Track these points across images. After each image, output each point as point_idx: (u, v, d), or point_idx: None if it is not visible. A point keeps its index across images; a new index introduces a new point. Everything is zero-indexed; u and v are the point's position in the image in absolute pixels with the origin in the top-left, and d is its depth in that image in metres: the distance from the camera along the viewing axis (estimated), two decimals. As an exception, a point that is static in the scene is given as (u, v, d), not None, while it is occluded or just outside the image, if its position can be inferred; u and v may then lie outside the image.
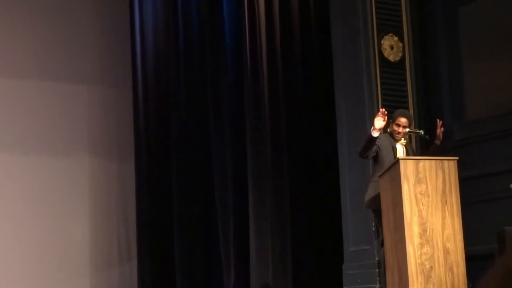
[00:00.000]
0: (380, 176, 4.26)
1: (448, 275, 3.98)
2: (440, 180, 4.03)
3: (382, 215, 4.25)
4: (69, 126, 6.25)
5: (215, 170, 6.22)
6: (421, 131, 4.42)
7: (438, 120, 4.34)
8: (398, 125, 4.34)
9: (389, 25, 5.12)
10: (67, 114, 6.26)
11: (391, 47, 5.13)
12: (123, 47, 6.36)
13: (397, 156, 4.29)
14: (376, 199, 4.23)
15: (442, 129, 4.32)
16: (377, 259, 4.87)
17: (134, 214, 6.20)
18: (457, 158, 4.10)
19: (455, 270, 3.99)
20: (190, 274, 6.08)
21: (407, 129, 4.34)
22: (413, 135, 4.80)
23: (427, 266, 3.96)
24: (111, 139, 6.38)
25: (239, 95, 6.13)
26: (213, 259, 6.15)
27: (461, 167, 4.11)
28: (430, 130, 4.43)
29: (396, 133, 4.34)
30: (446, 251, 3.98)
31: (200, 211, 6.19)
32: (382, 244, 4.40)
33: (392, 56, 5.12)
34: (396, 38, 5.13)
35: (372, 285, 4.86)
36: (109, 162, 6.34)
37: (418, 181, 4.01)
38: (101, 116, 6.36)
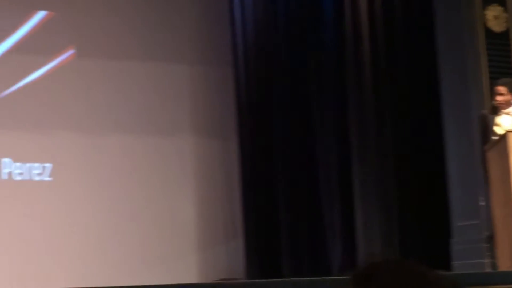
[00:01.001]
0: (487, 148, 4.22)
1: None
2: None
3: (490, 188, 4.22)
4: (172, 107, 6.48)
5: (318, 147, 6.31)
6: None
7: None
8: (498, 94, 4.29)
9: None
10: (170, 94, 6.49)
11: (495, 17, 5.03)
12: (223, 25, 6.51)
13: (505, 127, 4.22)
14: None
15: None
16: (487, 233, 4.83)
17: (238, 192, 6.37)
18: None
19: None
20: (295, 250, 6.22)
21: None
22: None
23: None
24: (213, 118, 6.57)
25: (340, 64, 6.20)
26: (318, 235, 6.26)
27: None
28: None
29: (497, 103, 4.28)
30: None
31: (305, 186, 6.30)
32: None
33: (496, 26, 5.02)
34: (500, 8, 5.02)
35: (481, 260, 4.83)
36: (212, 141, 6.53)
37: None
38: (204, 95, 6.56)
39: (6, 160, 6.06)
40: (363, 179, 6.12)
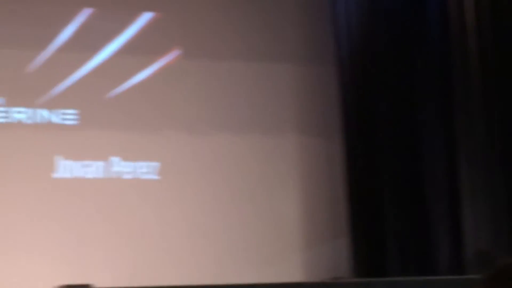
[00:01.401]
0: None
1: None
2: None
3: None
4: (276, 106, 6.53)
5: (424, 145, 6.25)
6: None
7: None
8: None
9: None
10: (274, 93, 6.54)
11: None
12: (326, 23, 6.53)
13: None
14: None
15: None
16: None
17: (342, 191, 6.36)
18: None
19: None
20: (402, 248, 6.17)
21: None
22: None
23: None
24: (317, 117, 6.58)
25: (446, 62, 6.12)
26: (425, 234, 6.19)
27: None
28: None
29: None
30: None
31: (410, 184, 6.25)
32: None
33: None
34: None
35: None
36: (316, 140, 6.55)
37: None
38: (307, 94, 6.58)
39: (115, 159, 6.22)
40: (470, 176, 6.01)
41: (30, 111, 6.13)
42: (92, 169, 6.18)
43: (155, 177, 6.28)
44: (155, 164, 6.28)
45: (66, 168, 6.13)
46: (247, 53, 6.46)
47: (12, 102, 6.11)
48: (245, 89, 6.45)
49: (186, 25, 6.36)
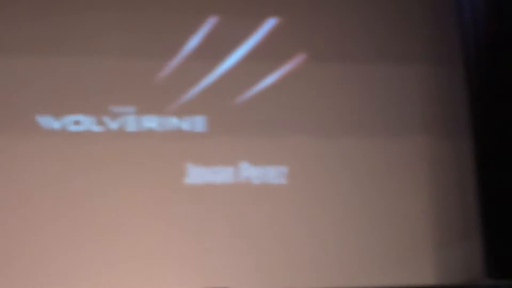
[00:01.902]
0: None
1: None
2: None
3: None
4: (403, 107, 6.52)
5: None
6: None
7: None
8: None
9: None
10: (400, 94, 6.54)
11: None
12: (451, 21, 6.49)
13: None
14: None
15: None
16: None
17: (473, 192, 6.30)
18: None
19: None
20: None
21: None
22: None
23: None
24: (445, 118, 6.54)
25: None
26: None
27: None
28: None
29: None
30: None
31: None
32: None
33: None
34: None
35: None
36: (444, 141, 6.52)
37: None
38: (434, 94, 6.55)
39: (243, 164, 6.32)
40: None
41: (160, 119, 6.30)
42: (221, 175, 6.30)
43: (283, 181, 6.34)
44: (283, 169, 6.34)
45: (197, 174, 6.27)
46: (373, 55, 6.47)
47: (143, 110, 6.29)
48: (371, 91, 6.47)
49: (311, 28, 6.42)
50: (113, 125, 6.25)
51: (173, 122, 6.31)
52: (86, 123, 6.23)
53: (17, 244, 5.86)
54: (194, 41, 6.32)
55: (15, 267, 5.81)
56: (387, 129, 6.47)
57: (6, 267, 5.80)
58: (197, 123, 6.32)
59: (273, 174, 6.34)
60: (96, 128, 6.24)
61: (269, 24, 6.42)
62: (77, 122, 6.23)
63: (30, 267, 5.85)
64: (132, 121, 6.27)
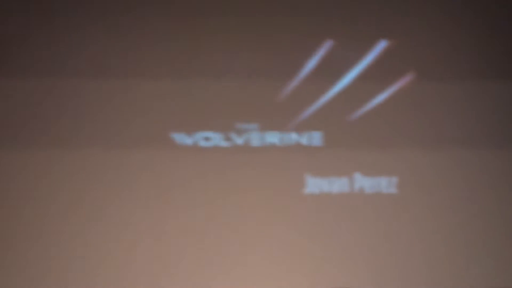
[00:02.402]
0: None
1: None
2: None
3: None
4: (507, 121, 6.95)
5: None
6: None
7: None
8: None
9: None
10: (504, 109, 6.96)
11: None
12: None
13: None
14: None
15: None
16: None
17: None
18: None
19: None
20: None
21: None
22: None
23: None
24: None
25: None
26: None
27: None
28: None
29: None
30: None
31: None
32: None
33: None
34: None
35: None
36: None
37: None
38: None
39: (357, 174, 6.92)
40: None
41: (281, 134, 6.98)
42: (337, 185, 6.92)
43: (394, 190, 6.89)
44: (393, 179, 6.90)
45: (315, 185, 6.91)
46: (479, 72, 6.92)
47: (265, 127, 6.99)
48: (478, 106, 6.92)
49: (420, 49, 6.93)
50: (239, 140, 6.98)
51: (292, 137, 6.98)
52: (215, 139, 6.99)
53: (163, 245, 6.71)
54: (311, 63, 6.97)
55: (173, 268, 6.65)
56: (493, 141, 6.90)
57: (167, 266, 6.65)
58: (314, 138, 6.96)
59: (385, 184, 6.91)
60: (223, 143, 6.98)
61: (380, 46, 6.99)
62: (207, 138, 7.00)
63: (173, 266, 6.68)
64: (256, 137, 6.98)
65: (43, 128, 6.74)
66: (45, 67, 6.81)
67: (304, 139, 7.00)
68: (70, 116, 6.82)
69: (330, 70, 6.97)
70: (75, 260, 6.62)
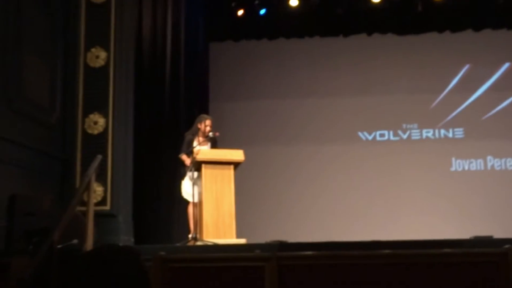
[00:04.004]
0: None
1: None
2: None
3: None
4: None
5: None
6: None
7: None
8: None
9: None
10: None
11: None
12: None
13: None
14: None
15: None
16: None
17: None
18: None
19: None
20: None
21: None
22: None
23: None
24: None
25: None
26: None
27: None
28: None
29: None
30: None
31: None
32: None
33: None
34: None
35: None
36: None
37: None
38: None
39: (489, 157, 9.87)
40: None
41: (433, 130, 10.11)
42: (474, 165, 9.90)
43: (517, 168, 9.77)
44: (516, 160, 9.79)
45: (458, 165, 9.94)
46: None
47: (422, 125, 10.14)
48: None
49: (533, 68, 9.86)
50: (404, 136, 10.16)
51: (442, 132, 10.05)
52: (388, 135, 10.24)
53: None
54: (455, 79, 10.08)
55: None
56: None
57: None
58: (457, 132, 10.00)
59: (510, 164, 9.81)
60: (393, 138, 10.20)
61: (504, 66, 10.01)
62: (382, 135, 10.27)
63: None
64: (416, 133, 10.15)
65: (283, 132, 10.34)
66: (274, 91, 10.48)
67: (450, 134, 10.07)
68: (297, 124, 10.39)
69: (468, 85, 10.05)
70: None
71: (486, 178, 9.83)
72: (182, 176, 7.16)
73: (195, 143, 7.17)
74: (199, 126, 7.31)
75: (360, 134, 10.27)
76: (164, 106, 8.82)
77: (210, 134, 7.07)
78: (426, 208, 9.75)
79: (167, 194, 8.40)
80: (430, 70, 10.13)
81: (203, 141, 7.16)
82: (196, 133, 7.30)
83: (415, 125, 10.17)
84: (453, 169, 9.94)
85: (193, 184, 6.71)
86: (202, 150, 6.83)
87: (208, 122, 7.29)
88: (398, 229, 9.42)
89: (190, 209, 6.96)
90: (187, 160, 6.96)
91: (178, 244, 6.49)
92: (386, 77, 10.26)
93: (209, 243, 6.13)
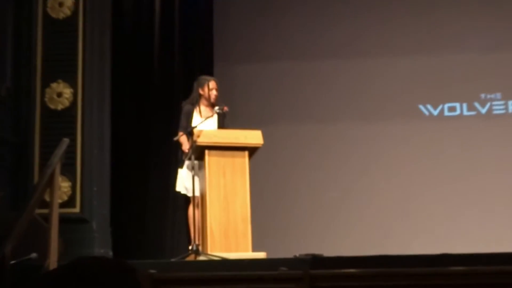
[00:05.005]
0: None
1: None
2: None
3: None
4: None
5: None
6: None
7: None
8: None
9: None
10: None
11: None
12: None
13: None
14: None
15: None
16: None
17: None
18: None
19: None
20: None
21: None
22: None
23: None
24: None
25: None
26: None
27: None
28: None
29: None
30: None
31: None
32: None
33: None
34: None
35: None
36: None
37: None
38: None
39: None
40: None
41: (517, 102, 10.09)
42: None
43: None
44: None
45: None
46: None
47: (507, 96, 10.11)
48: None
49: None
50: (483, 110, 10.14)
51: (531, 105, 10.03)
52: (460, 109, 10.21)
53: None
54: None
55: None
56: None
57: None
58: None
59: None
60: (467, 113, 10.18)
61: None
62: (451, 109, 10.24)
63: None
64: (498, 106, 10.12)
65: (307, 105, 10.30)
66: (299, 51, 10.44)
67: (543, 107, 10.03)
68: (333, 94, 10.36)
69: None
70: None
71: None
72: (179, 164, 7.16)
73: (197, 118, 7.16)
74: (200, 92, 7.33)
75: (421, 107, 10.26)
76: (153, 71, 8.84)
77: (217, 108, 7.07)
78: (509, 210, 9.73)
79: (158, 191, 8.44)
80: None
81: (208, 112, 7.19)
82: (196, 101, 7.30)
83: (498, 95, 10.14)
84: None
85: (194, 176, 6.72)
86: (206, 131, 6.83)
87: (212, 84, 7.34)
88: (472, 238, 9.43)
89: (190, 211, 6.97)
90: (186, 144, 6.97)
91: (173, 260, 6.49)
92: (456, 30, 10.20)
93: (215, 258, 6.11)
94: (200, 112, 7.24)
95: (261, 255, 6.46)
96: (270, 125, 9.56)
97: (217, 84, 7.36)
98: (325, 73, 10.37)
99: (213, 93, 7.27)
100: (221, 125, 7.26)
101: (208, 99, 7.27)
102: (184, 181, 7.09)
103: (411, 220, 9.78)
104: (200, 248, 6.47)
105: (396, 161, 10.12)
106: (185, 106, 7.31)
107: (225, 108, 7.10)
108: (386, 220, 9.84)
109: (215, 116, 7.19)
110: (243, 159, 6.75)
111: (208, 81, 7.35)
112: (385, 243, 9.06)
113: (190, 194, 6.96)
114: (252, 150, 6.83)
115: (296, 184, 10.10)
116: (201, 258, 6.28)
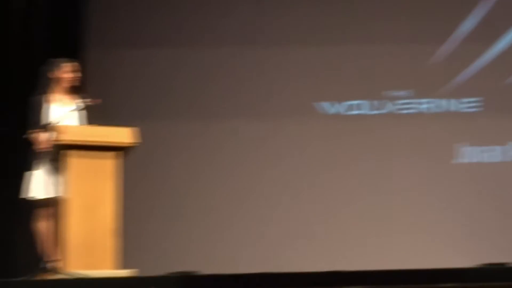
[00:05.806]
0: None
1: None
2: None
3: None
4: None
5: None
6: None
7: None
8: None
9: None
10: None
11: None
12: None
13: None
14: None
15: None
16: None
17: None
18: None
19: None
20: None
21: None
22: None
23: None
24: None
25: None
26: None
27: None
28: None
29: None
30: None
31: None
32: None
33: None
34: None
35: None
36: None
37: None
38: None
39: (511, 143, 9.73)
40: None
41: (433, 101, 9.94)
42: (490, 154, 9.76)
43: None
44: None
45: (465, 154, 9.79)
46: None
47: (417, 94, 9.96)
48: None
49: None
50: (389, 108, 9.97)
51: (443, 104, 9.82)
52: (362, 107, 10.02)
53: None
54: (467, 24, 9.86)
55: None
56: None
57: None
58: (469, 104, 9.80)
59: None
60: (371, 112, 10.00)
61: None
62: (353, 107, 10.05)
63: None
64: (405, 104, 9.96)
65: (192, 99, 9.98)
66: (187, 37, 10.11)
67: (455, 106, 9.78)
68: (219, 86, 10.06)
69: (486, 33, 9.86)
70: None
71: (505, 175, 9.73)
72: (29, 168, 6.81)
73: (54, 110, 6.85)
74: (51, 76, 6.97)
75: (316, 105, 10.05)
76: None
77: (79, 101, 6.83)
78: (419, 220, 9.61)
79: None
80: (428, 11, 9.91)
81: (68, 102, 6.90)
82: (49, 90, 6.95)
83: (405, 93, 10.01)
84: (457, 160, 9.78)
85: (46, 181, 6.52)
86: (67, 126, 6.57)
87: (69, 67, 6.99)
88: (375, 253, 9.35)
89: (42, 219, 6.74)
90: (42, 142, 6.64)
91: (22, 278, 6.23)
92: (355, 20, 10.01)
93: (75, 276, 5.90)
94: (56, 102, 6.89)
95: (130, 272, 6.25)
96: (150, 121, 9.25)
97: (77, 67, 7.01)
98: (214, 64, 10.03)
99: (70, 78, 6.96)
100: (85, 120, 6.95)
101: (65, 84, 6.94)
102: (35, 186, 6.74)
103: (304, 234, 9.58)
104: (56, 265, 6.20)
105: (288, 164, 9.87)
106: (36, 97, 6.93)
107: (97, 101, 6.82)
108: (281, 231, 9.64)
109: (77, 117, 6.91)
110: (111, 161, 6.54)
111: (63, 63, 7.00)
112: (273, 260, 8.89)
113: (41, 196, 6.70)
114: (125, 151, 6.63)
115: (178, 190, 9.78)
116: (58, 276, 6.02)
